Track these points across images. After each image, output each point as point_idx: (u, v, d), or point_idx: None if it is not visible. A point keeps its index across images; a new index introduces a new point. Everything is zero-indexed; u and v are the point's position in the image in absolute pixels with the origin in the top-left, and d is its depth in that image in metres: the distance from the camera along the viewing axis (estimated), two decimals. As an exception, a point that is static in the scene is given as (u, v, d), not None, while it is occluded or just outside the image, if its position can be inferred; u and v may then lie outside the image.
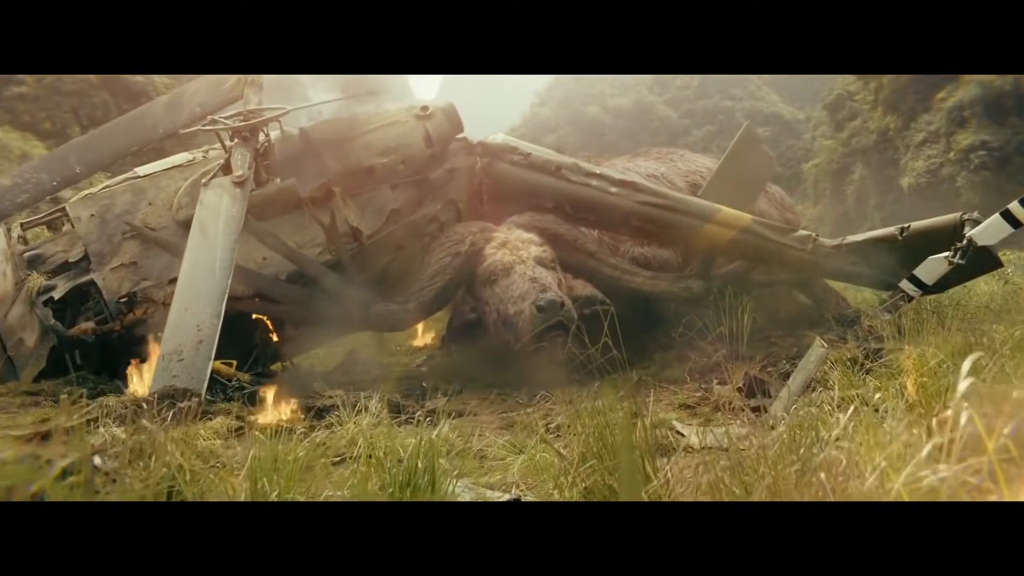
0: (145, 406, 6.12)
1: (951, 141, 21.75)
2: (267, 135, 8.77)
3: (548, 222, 9.48)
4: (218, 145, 9.16)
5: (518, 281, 8.68)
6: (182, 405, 6.22)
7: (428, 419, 7.11)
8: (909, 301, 7.44)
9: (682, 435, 5.58)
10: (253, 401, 7.46)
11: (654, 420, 5.60)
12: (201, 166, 9.18)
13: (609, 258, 9.40)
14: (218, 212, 7.63)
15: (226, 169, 8.16)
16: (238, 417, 6.79)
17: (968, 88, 21.58)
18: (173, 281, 8.22)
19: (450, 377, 8.85)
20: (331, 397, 7.54)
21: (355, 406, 6.95)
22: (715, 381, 7.53)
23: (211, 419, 6.24)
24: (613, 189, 9.37)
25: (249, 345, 8.89)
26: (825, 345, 5.98)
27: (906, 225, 8.19)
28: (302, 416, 6.46)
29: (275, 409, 6.53)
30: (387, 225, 9.32)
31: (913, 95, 22.62)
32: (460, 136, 10.07)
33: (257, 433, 5.41)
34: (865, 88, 25.17)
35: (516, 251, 9.03)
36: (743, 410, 5.97)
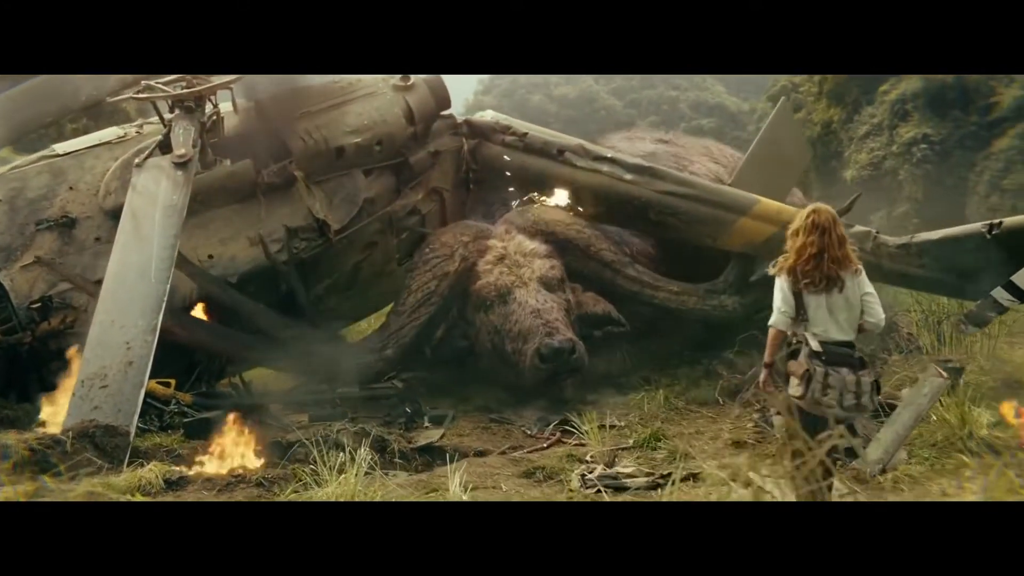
0: (56, 446, 4.97)
1: (894, 134, 21.77)
2: (215, 106, 7.51)
3: (556, 223, 8.34)
4: (156, 118, 7.88)
5: (518, 312, 7.58)
6: (105, 446, 5.08)
7: (421, 457, 6.01)
8: (1002, 312, 6.45)
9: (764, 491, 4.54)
10: (198, 431, 6.27)
11: (732, 476, 4.59)
12: (135, 143, 7.89)
13: (628, 268, 8.29)
14: (155, 199, 6.40)
15: (165, 147, 6.89)
16: (176, 458, 5.61)
17: (911, 81, 21.60)
18: (100, 283, 6.98)
19: (434, 399, 7.70)
20: (294, 430, 6.40)
21: (327, 441, 5.84)
22: (771, 411, 6.46)
23: (141, 465, 5.05)
24: (628, 176, 8.27)
25: (190, 359, 7.64)
26: (944, 375, 4.92)
27: (996, 221, 7.18)
28: (261, 461, 5.26)
29: (228, 449, 5.30)
30: (359, 217, 8.09)
31: (857, 88, 22.48)
32: (446, 113, 8.87)
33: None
34: (809, 80, 24.83)
35: (516, 269, 7.90)
36: (835, 457, 4.92)
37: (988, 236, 7.08)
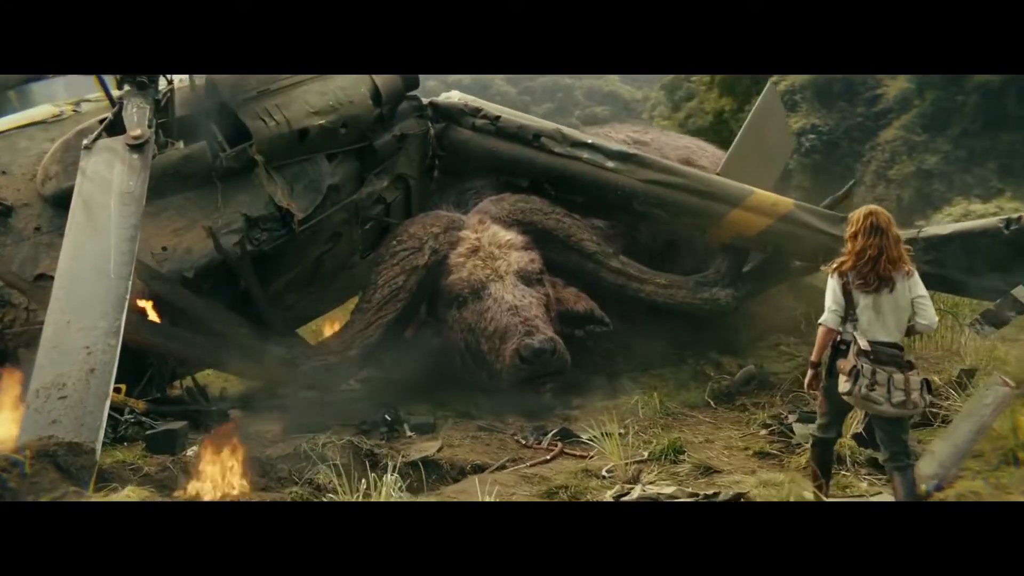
0: (12, 468, 4.42)
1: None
2: (169, 82, 6.91)
3: (534, 211, 7.92)
4: (96, 95, 7.24)
5: (494, 309, 7.18)
6: (69, 467, 4.53)
7: (415, 472, 5.58)
8: (1021, 312, 6.27)
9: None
10: (162, 445, 5.73)
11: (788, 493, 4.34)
12: (72, 123, 7.23)
13: (612, 260, 7.92)
14: (109, 186, 5.81)
15: (115, 127, 6.28)
16: (144, 478, 5.08)
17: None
18: (42, 278, 6.35)
19: (404, 404, 7.24)
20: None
21: (314, 455, 5.38)
22: (791, 417, 6.23)
23: (115, 490, 4.52)
24: (610, 163, 7.92)
25: (140, 361, 7.02)
26: (1011, 383, 4.71)
27: (1016, 216, 7.03)
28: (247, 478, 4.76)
29: (211, 467, 4.78)
30: (323, 206, 7.55)
31: (747, 77, 23.03)
32: (411, 94, 8.37)
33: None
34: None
35: (492, 261, 7.48)
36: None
37: (1006, 232, 6.92)
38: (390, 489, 4.18)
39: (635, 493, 4.47)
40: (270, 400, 7.27)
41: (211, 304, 6.82)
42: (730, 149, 8.77)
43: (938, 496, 4.45)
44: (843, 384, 4.30)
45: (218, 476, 4.59)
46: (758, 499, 4.41)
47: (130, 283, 5.32)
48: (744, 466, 5.47)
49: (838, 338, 4.46)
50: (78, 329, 5.08)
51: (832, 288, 4.46)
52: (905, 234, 7.45)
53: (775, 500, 4.37)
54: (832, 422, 4.64)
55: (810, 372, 4.62)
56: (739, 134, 8.89)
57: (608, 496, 4.65)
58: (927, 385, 4.36)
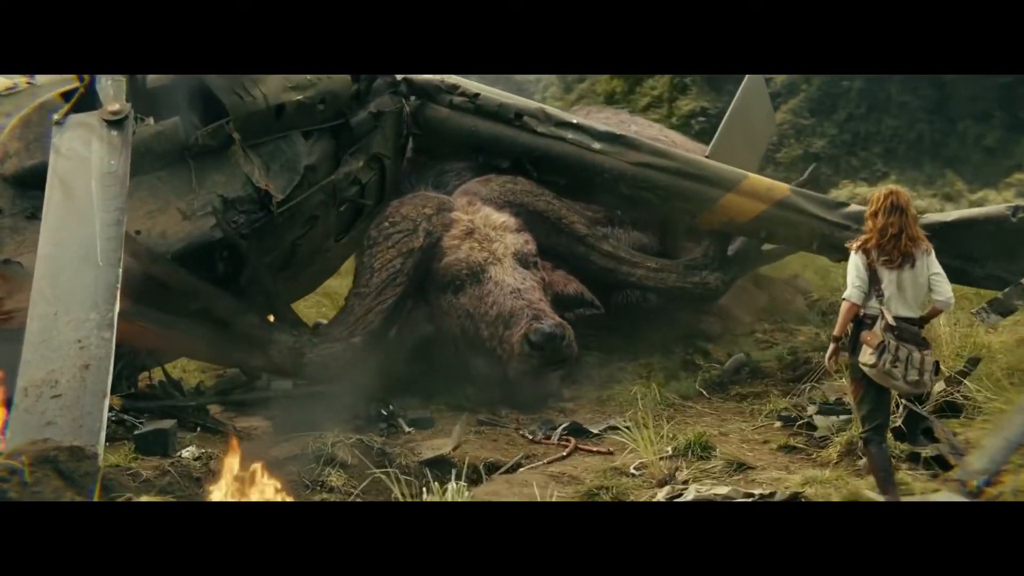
0: (11, 476, 4.09)
1: (673, 107, 22.90)
2: (140, 54, 6.47)
3: (523, 193, 7.73)
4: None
5: (495, 293, 6.97)
6: (72, 474, 4.21)
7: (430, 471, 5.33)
8: None
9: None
10: (151, 445, 5.39)
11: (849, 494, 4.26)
12: (28, 97, 6.72)
13: (603, 243, 7.77)
14: (88, 166, 5.40)
15: (84, 102, 5.83)
16: (145, 484, 4.76)
17: (690, 56, 22.95)
18: (7, 264, 5.91)
19: (398, 396, 6.99)
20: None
21: (322, 456, 5.11)
22: (810, 408, 6.16)
23: (128, 497, 4.21)
24: (596, 145, 7.74)
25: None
26: None
27: (1023, 204, 7.04)
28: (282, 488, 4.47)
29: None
30: (301, 187, 7.19)
31: None
32: (386, 68, 8.03)
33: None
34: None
35: (488, 243, 7.27)
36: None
37: (1013, 219, 6.92)
38: (457, 493, 3.94)
39: (690, 494, 4.33)
40: (249, 394, 6.98)
41: (216, 290, 6.46)
42: (718, 132, 8.69)
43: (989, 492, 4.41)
44: (868, 356, 4.48)
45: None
46: (813, 499, 4.31)
47: (120, 271, 4.97)
48: (774, 461, 5.39)
49: (861, 313, 4.66)
50: (67, 321, 4.72)
51: (856, 264, 4.69)
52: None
53: (835, 500, 4.28)
54: (875, 408, 4.65)
55: (832, 346, 4.82)
56: (726, 116, 8.81)
57: (660, 497, 4.50)
58: (936, 367, 4.58)
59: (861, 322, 4.63)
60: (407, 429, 6.27)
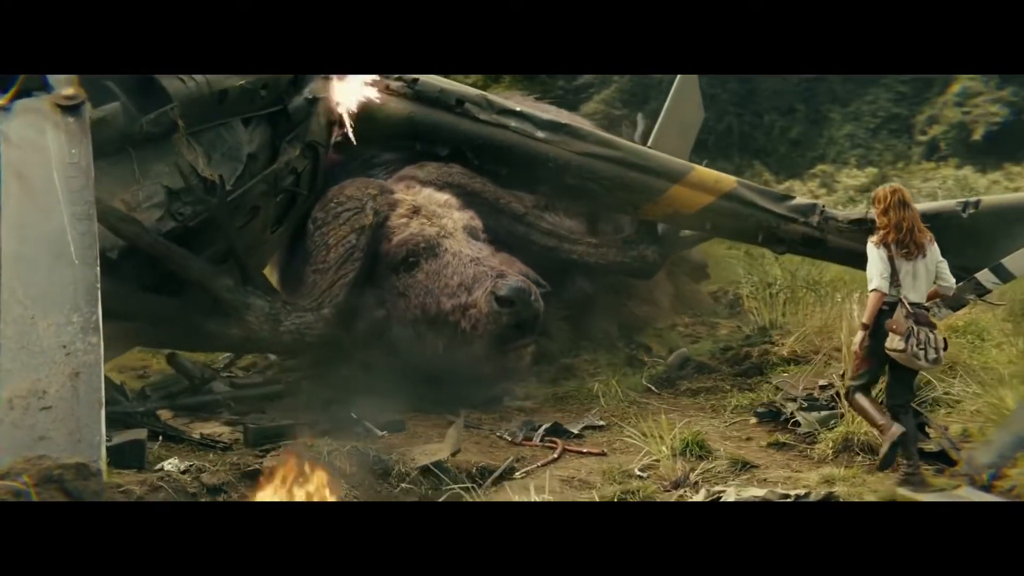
0: (17, 497, 3.83)
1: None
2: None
3: (459, 174, 7.66)
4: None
5: (454, 263, 6.86)
6: (80, 493, 3.93)
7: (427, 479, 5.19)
8: (982, 295, 6.56)
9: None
10: (131, 457, 5.06)
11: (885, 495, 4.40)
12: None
13: (542, 221, 7.77)
14: (46, 155, 5.04)
15: (30, 85, 5.40)
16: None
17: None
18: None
19: (355, 397, 6.79)
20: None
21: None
22: (789, 405, 6.31)
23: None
24: (540, 133, 7.71)
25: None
26: None
27: (973, 200, 7.35)
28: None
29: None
30: (244, 177, 6.88)
31: None
32: (321, 51, 7.76)
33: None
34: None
35: (437, 220, 7.17)
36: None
37: (963, 215, 7.23)
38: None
39: (730, 495, 4.38)
40: (201, 398, 6.66)
41: (189, 253, 6.31)
42: (658, 121, 8.77)
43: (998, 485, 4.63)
44: (896, 342, 4.92)
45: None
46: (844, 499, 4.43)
47: (98, 270, 4.65)
48: (772, 460, 5.52)
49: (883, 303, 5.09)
50: (47, 326, 4.39)
51: (880, 257, 5.13)
52: (851, 215, 7.76)
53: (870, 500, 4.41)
54: (870, 378, 5.26)
55: (860, 333, 5.16)
56: (665, 106, 8.91)
57: (699, 498, 4.54)
58: (946, 344, 5.08)
59: (881, 311, 5.06)
60: (380, 433, 6.09)
